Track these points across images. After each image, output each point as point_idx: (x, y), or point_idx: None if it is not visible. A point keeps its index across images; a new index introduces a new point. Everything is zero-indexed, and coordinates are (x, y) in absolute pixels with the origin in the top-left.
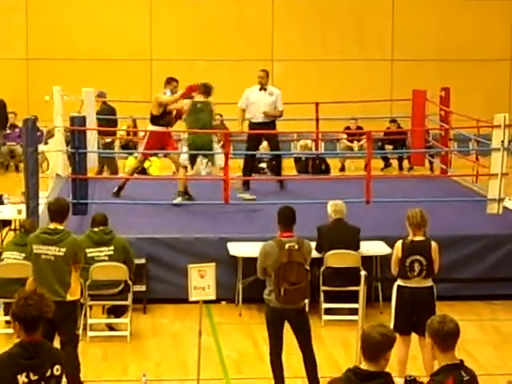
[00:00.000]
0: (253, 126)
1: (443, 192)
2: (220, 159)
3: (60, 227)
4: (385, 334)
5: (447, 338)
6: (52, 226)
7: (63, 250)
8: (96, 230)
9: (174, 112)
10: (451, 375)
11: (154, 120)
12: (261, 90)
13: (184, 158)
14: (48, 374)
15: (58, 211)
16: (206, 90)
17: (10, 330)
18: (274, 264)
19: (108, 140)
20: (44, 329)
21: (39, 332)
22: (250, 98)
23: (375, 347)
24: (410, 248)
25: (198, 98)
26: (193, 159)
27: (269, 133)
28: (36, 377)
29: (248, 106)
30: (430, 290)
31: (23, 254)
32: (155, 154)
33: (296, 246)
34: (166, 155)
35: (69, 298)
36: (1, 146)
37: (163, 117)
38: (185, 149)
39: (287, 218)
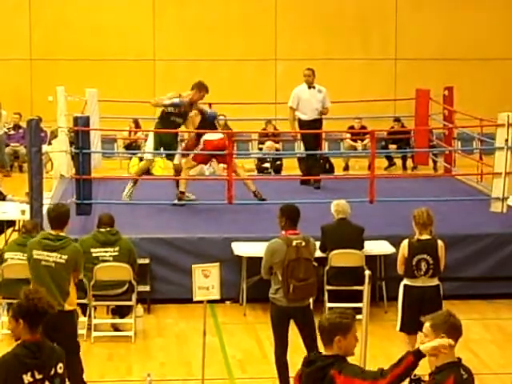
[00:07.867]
0: (304, 123)
1: (447, 191)
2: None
3: (62, 233)
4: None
5: (461, 332)
6: (54, 232)
7: (65, 257)
8: (102, 230)
9: None
10: (452, 373)
11: None
12: (309, 88)
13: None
14: (52, 372)
15: (57, 218)
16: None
17: None
18: (282, 261)
19: None
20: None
21: (40, 331)
22: (300, 96)
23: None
24: (416, 247)
25: None
26: None
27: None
28: (41, 376)
29: (300, 104)
30: (437, 289)
31: (26, 255)
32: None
33: (303, 243)
34: None
35: (67, 307)
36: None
37: None
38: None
39: (294, 216)
